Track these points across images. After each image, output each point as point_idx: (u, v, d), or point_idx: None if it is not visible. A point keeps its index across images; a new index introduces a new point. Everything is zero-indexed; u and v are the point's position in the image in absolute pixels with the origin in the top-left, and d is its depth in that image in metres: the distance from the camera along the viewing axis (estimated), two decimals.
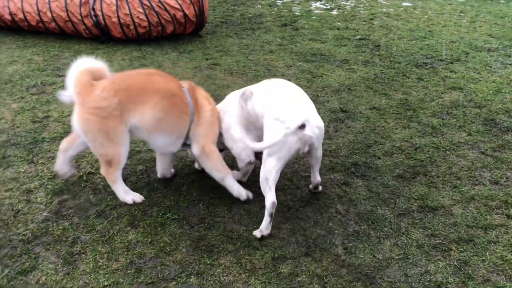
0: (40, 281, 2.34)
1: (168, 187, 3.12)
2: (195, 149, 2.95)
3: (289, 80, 4.93)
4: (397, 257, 2.56)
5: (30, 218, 2.78)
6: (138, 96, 2.73)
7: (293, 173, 3.31)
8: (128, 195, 2.93)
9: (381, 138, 3.81)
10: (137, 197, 2.95)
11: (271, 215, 2.64)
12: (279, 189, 3.12)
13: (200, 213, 2.88)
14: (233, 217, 2.85)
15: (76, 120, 2.69)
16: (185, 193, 3.06)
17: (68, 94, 2.73)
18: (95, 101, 2.62)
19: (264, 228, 2.67)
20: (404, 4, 8.71)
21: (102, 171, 2.86)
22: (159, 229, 2.73)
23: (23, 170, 3.21)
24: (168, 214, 2.86)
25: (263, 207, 2.93)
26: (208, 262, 2.50)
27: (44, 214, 2.82)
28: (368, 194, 3.10)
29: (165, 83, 2.87)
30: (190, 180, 3.21)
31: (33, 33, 5.99)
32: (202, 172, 3.15)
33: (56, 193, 3.02)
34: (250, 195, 3.01)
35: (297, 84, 4.79)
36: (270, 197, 2.63)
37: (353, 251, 2.60)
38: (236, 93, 3.11)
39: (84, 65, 2.69)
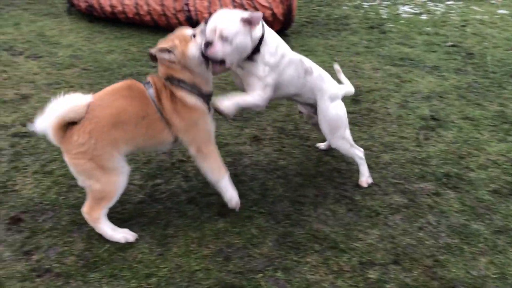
0: (137, 259, 2.47)
1: (254, 181, 3.17)
2: (191, 151, 2.70)
3: (376, 83, 4.85)
4: (494, 276, 2.43)
5: (127, 198, 2.94)
6: (112, 132, 2.44)
7: (382, 178, 3.24)
8: (117, 233, 2.60)
9: (474, 150, 3.63)
10: (129, 235, 2.61)
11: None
12: (366, 193, 3.07)
13: (285, 210, 2.90)
14: (319, 217, 2.85)
15: (68, 165, 2.50)
16: (270, 188, 3.10)
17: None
18: (75, 148, 2.41)
19: (368, 174, 3.17)
20: (500, 11, 8.22)
21: (85, 209, 2.56)
22: (246, 221, 2.79)
23: None
24: (254, 208, 2.91)
25: (350, 210, 2.91)
26: (294, 258, 2.52)
27: (140, 196, 2.98)
28: (461, 207, 2.97)
29: (131, 106, 2.51)
30: (276, 176, 3.24)
31: (129, 25, 6.32)
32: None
33: (150, 177, 3.17)
34: (239, 205, 2.83)
35: (385, 89, 4.73)
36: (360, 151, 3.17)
37: (445, 264, 2.50)
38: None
39: (57, 113, 2.37)
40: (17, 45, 5.45)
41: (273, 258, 2.52)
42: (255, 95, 2.73)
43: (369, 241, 2.66)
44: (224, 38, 2.47)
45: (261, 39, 2.64)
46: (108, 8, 6.19)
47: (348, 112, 4.14)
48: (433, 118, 4.10)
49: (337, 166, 3.38)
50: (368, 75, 5.10)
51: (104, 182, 2.47)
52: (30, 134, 3.59)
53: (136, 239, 2.59)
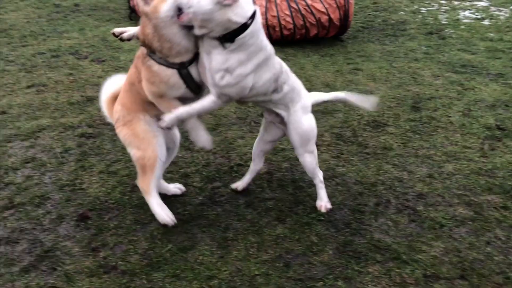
0: (198, 260, 2.51)
1: (313, 187, 3.15)
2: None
3: (437, 91, 4.70)
4: None
5: (187, 200, 3.00)
6: (127, 97, 2.68)
7: (445, 189, 3.13)
8: (162, 210, 2.72)
9: None
10: (170, 219, 2.72)
11: None
12: (429, 204, 2.98)
13: (345, 218, 2.86)
14: (380, 227, 2.78)
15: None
16: (329, 196, 3.05)
17: None
18: (115, 118, 2.71)
19: (327, 200, 2.95)
20: None
21: (138, 181, 2.73)
22: (305, 227, 2.77)
23: (181, 156, 3.47)
24: (313, 214, 2.88)
25: (412, 220, 2.84)
26: (355, 268, 2.47)
27: (200, 198, 3.03)
28: None
29: (129, 74, 2.67)
30: (334, 183, 3.21)
31: None
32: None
33: (209, 180, 3.22)
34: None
35: (446, 96, 4.57)
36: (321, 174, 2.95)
37: None
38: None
39: (107, 92, 2.86)
40: (82, 49, 5.70)
41: (334, 266, 2.48)
42: (206, 100, 2.43)
43: (433, 254, 2.57)
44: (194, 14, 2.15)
45: (242, 28, 2.21)
46: None
47: (408, 120, 4.07)
48: (499, 128, 3.92)
49: (398, 175, 3.29)
50: (428, 82, 4.95)
51: (142, 149, 2.61)
52: (96, 135, 3.74)
53: (197, 240, 2.63)
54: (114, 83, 2.86)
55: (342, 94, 3.04)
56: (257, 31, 2.29)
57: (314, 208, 2.93)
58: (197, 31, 2.24)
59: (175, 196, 3.02)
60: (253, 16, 2.24)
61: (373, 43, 6.27)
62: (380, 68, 5.33)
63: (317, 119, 4.01)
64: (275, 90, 2.57)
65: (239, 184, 3.11)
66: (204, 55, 2.35)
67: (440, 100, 4.47)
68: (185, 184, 3.14)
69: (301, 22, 5.83)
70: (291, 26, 5.83)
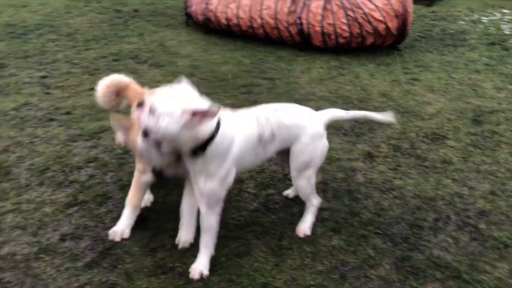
0: (253, 267, 2.52)
1: (369, 199, 3.09)
2: None
3: (500, 104, 4.51)
4: None
5: (242, 206, 3.02)
6: None
7: (509, 207, 3.00)
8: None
9: None
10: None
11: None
12: (492, 222, 2.86)
13: (403, 233, 2.79)
14: (440, 243, 2.70)
15: None
16: (386, 209, 3.00)
17: None
18: None
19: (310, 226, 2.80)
20: None
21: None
22: (361, 240, 2.73)
23: None
24: (370, 227, 2.83)
25: (474, 239, 2.74)
26: (413, 284, 2.40)
27: (254, 205, 3.05)
28: None
29: None
30: (392, 196, 3.14)
31: (242, 38, 6.55)
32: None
33: (263, 187, 3.23)
34: None
35: (510, 110, 4.37)
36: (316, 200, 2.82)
37: None
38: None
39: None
40: (141, 54, 5.90)
41: (391, 281, 2.43)
42: (203, 215, 2.46)
43: (497, 275, 2.46)
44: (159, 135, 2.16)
45: (210, 139, 2.22)
46: (223, 21, 6.47)
47: (469, 133, 3.93)
48: None
49: (459, 190, 3.18)
50: (490, 94, 4.76)
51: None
52: None
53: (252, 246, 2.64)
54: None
55: (361, 113, 3.03)
56: (224, 136, 2.27)
57: (371, 221, 2.88)
58: (165, 149, 2.27)
59: (230, 201, 3.06)
60: (218, 125, 2.25)
61: (431, 53, 6.11)
62: (439, 79, 5.18)
63: (373, 129, 3.98)
64: (265, 146, 2.52)
65: (290, 192, 3.12)
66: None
67: (503, 114, 4.29)
68: (239, 190, 3.17)
69: (358, 31, 5.77)
70: (347, 34, 5.79)
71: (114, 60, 5.65)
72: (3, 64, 5.48)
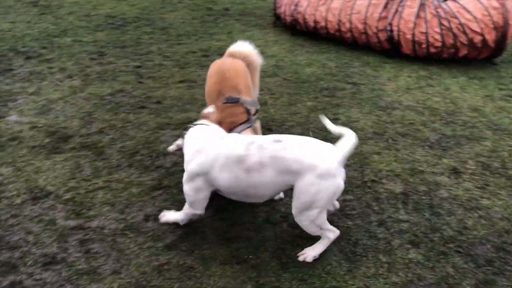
0: (325, 269, 2.51)
1: (452, 216, 2.96)
2: None
3: None
4: None
5: None
6: None
7: None
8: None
9: None
10: None
11: None
12: None
13: (487, 255, 2.64)
14: None
15: None
16: (470, 228, 2.85)
17: None
18: None
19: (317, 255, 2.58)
20: None
21: None
22: (441, 256, 2.62)
23: None
24: (451, 244, 2.71)
25: None
26: None
27: (331, 210, 3.03)
28: None
29: None
30: (477, 216, 2.98)
31: (328, 40, 6.51)
32: None
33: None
34: None
35: None
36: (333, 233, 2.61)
37: None
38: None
39: None
40: None
41: None
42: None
43: None
44: None
45: None
46: (311, 23, 6.48)
47: None
48: None
49: None
50: None
51: None
52: None
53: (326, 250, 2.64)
54: None
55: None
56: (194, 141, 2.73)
57: (452, 238, 2.76)
58: None
59: None
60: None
61: None
62: None
63: (460, 144, 3.80)
64: (250, 173, 2.46)
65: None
66: None
67: None
68: None
69: (451, 41, 5.52)
70: (439, 44, 5.56)
71: (203, 56, 5.86)
72: (102, 52, 5.89)
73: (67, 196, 3.06)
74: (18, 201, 3.00)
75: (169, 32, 6.86)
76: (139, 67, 5.42)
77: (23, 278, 2.41)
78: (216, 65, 3.44)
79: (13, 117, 4.10)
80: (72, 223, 2.81)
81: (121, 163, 3.46)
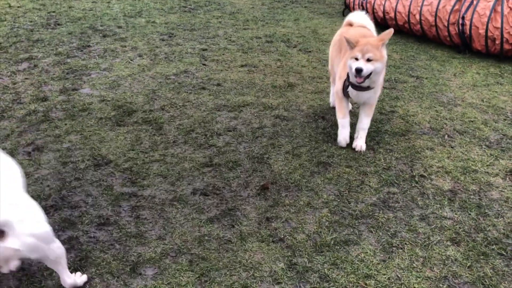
0: (359, 257, 2.55)
1: (500, 218, 2.87)
2: None
3: None
4: None
5: (361, 197, 3.04)
6: None
7: None
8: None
9: None
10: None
11: None
12: None
13: None
14: None
15: None
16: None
17: None
18: None
19: None
20: None
21: None
22: (481, 257, 2.56)
23: (363, 155, 3.51)
24: (494, 246, 2.64)
25: None
26: None
27: (373, 199, 3.04)
28: None
29: None
30: None
31: (396, 32, 6.34)
32: None
33: (387, 184, 3.20)
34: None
35: None
36: None
37: None
38: None
39: None
40: (293, 39, 6.12)
41: None
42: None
43: None
44: None
45: None
46: (380, 14, 6.36)
47: None
48: None
49: None
50: None
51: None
52: (289, 119, 4.03)
53: (361, 238, 2.67)
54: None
55: None
56: None
57: (497, 240, 2.68)
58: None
59: (349, 191, 3.10)
60: None
61: None
62: None
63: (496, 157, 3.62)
64: None
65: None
66: None
67: None
68: (361, 183, 3.19)
69: None
70: None
71: (267, 42, 5.96)
72: (172, 34, 6.17)
73: (126, 165, 3.31)
74: (82, 166, 3.30)
75: (237, 17, 7.03)
76: (204, 50, 5.63)
77: (79, 235, 2.68)
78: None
79: (86, 90, 4.46)
80: (127, 190, 3.06)
81: (177, 139, 3.67)
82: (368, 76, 3.29)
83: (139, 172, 3.25)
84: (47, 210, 2.85)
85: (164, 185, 3.12)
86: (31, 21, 6.45)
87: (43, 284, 2.34)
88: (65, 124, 3.83)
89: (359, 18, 3.95)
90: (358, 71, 3.23)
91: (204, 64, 5.18)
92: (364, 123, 3.60)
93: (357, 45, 3.27)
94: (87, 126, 3.80)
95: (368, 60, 3.24)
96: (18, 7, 7.12)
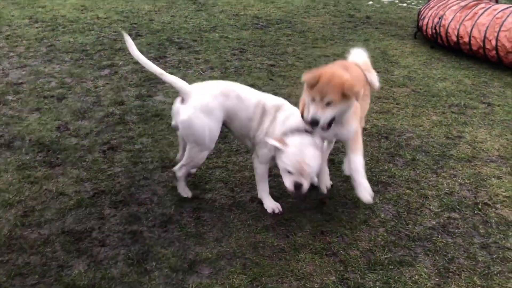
0: (413, 279, 2.52)
1: None
2: None
3: None
4: None
5: (419, 220, 3.00)
6: None
7: None
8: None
9: None
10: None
11: None
12: None
13: None
14: None
15: None
16: None
17: None
18: None
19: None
20: None
21: None
22: None
23: (425, 178, 3.46)
24: None
25: None
26: None
27: (432, 223, 2.99)
28: None
29: None
30: None
31: (469, 57, 6.18)
32: None
33: (448, 208, 3.12)
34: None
35: None
36: None
37: None
38: None
39: None
40: None
41: None
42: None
43: None
44: None
45: None
46: (453, 38, 6.21)
47: None
48: None
49: None
50: None
51: None
52: None
53: (416, 259, 2.64)
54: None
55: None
56: None
57: None
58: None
59: (408, 212, 3.06)
60: None
61: None
62: None
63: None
64: None
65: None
66: None
67: None
68: (421, 205, 3.14)
69: None
70: None
71: (335, 60, 6.01)
72: (243, 49, 6.39)
73: None
74: (151, 167, 3.52)
75: (307, 35, 7.15)
76: (272, 65, 5.79)
77: (144, 230, 2.86)
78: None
79: (159, 97, 4.74)
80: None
81: (240, 148, 3.81)
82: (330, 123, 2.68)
83: (202, 177, 3.41)
84: (116, 204, 3.07)
85: (225, 190, 3.26)
86: (115, 32, 6.95)
87: (108, 272, 2.52)
88: (139, 127, 4.10)
89: (355, 56, 3.35)
90: (313, 123, 2.61)
91: (271, 79, 5.32)
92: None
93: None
94: (158, 131, 4.04)
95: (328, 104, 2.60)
96: (105, 18, 7.69)
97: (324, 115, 2.60)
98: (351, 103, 2.66)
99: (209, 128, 2.90)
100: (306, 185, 2.73)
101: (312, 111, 2.62)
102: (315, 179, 3.11)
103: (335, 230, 2.88)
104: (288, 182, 2.74)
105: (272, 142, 2.75)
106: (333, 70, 2.73)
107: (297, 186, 2.71)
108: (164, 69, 5.53)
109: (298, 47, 6.54)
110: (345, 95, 2.58)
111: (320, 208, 3.10)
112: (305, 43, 6.77)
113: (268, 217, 2.99)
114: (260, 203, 3.11)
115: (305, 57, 6.12)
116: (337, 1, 9.50)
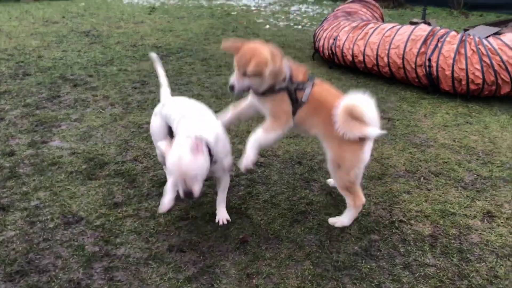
0: None
1: (482, 263, 2.84)
2: None
3: None
4: None
5: (342, 247, 2.98)
6: None
7: None
8: None
9: None
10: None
11: None
12: None
13: None
14: None
15: None
16: (501, 277, 2.72)
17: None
18: None
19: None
20: None
21: None
22: None
23: (341, 199, 3.48)
24: None
25: None
26: None
27: (355, 248, 2.98)
28: None
29: None
30: (510, 264, 2.84)
31: (365, 75, 6.51)
32: None
33: (367, 231, 3.15)
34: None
35: None
36: None
37: None
38: None
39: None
40: None
41: None
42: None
43: None
44: None
45: None
46: (349, 57, 6.51)
47: None
48: None
49: None
50: None
51: None
52: (266, 165, 3.99)
53: None
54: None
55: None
56: None
57: (481, 286, 2.64)
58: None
59: (330, 240, 3.04)
60: None
61: None
62: None
63: (496, 186, 3.66)
64: None
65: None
66: None
67: None
68: (341, 231, 3.13)
69: (492, 78, 5.39)
70: (479, 81, 5.43)
71: None
72: (144, 81, 6.14)
73: (97, 222, 3.17)
74: (51, 225, 3.14)
75: (210, 63, 7.08)
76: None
77: None
78: None
79: (56, 143, 4.32)
80: (99, 249, 2.91)
81: (151, 191, 3.56)
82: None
83: (112, 229, 3.11)
84: (12, 276, 2.67)
85: (139, 242, 2.99)
86: None
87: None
88: (33, 180, 3.67)
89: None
90: (230, 87, 2.93)
91: None
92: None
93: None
94: (56, 182, 3.65)
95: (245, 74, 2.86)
96: None
97: (239, 84, 2.90)
98: (263, 80, 2.87)
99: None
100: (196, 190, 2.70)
101: (232, 78, 2.93)
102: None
103: (261, 271, 2.75)
104: (180, 190, 2.73)
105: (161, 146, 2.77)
106: (256, 45, 2.93)
107: (187, 193, 2.71)
108: (59, 109, 5.13)
109: (202, 76, 6.44)
110: (257, 71, 2.80)
111: (243, 247, 2.95)
112: (209, 71, 6.69)
113: (189, 266, 2.78)
114: (180, 251, 2.89)
115: (211, 86, 6.03)
116: (235, 27, 9.60)
